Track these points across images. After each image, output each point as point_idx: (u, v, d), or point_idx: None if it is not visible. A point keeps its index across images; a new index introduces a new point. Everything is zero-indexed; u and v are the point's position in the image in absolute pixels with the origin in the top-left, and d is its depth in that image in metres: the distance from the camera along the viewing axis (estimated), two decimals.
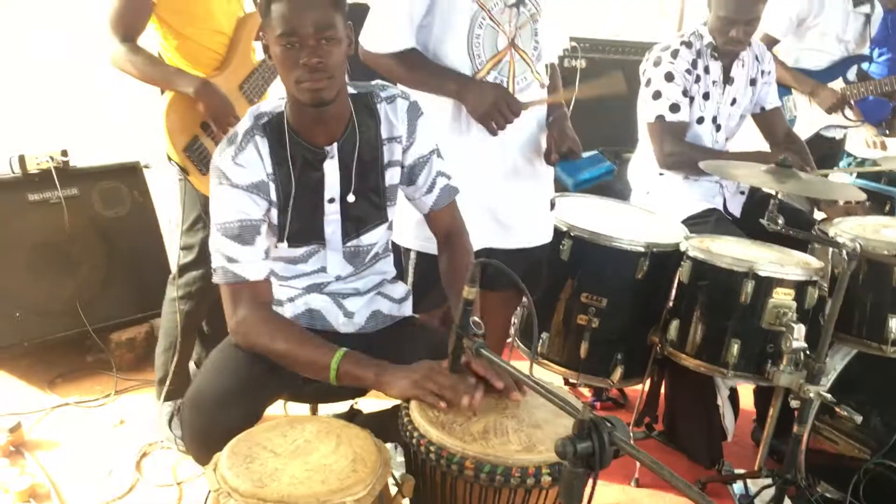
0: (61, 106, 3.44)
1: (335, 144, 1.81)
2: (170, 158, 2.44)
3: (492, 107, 2.14)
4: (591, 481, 1.13)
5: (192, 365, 2.89)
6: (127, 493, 2.41)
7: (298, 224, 1.83)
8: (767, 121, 3.07)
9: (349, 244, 1.93)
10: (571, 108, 2.48)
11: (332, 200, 1.85)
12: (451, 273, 1.97)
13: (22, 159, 2.95)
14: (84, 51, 3.26)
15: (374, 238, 1.97)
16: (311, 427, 1.60)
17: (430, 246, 2.24)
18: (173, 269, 2.67)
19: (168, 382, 2.70)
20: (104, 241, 3.12)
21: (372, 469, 1.48)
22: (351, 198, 1.86)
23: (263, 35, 1.74)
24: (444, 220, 2.03)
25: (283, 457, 1.50)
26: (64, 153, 3.04)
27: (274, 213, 1.80)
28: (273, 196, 1.79)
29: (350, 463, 1.49)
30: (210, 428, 1.66)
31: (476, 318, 1.58)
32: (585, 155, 2.33)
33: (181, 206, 2.60)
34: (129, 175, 3.22)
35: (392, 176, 1.92)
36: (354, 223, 1.91)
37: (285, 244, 1.86)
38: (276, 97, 1.86)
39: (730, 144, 3.04)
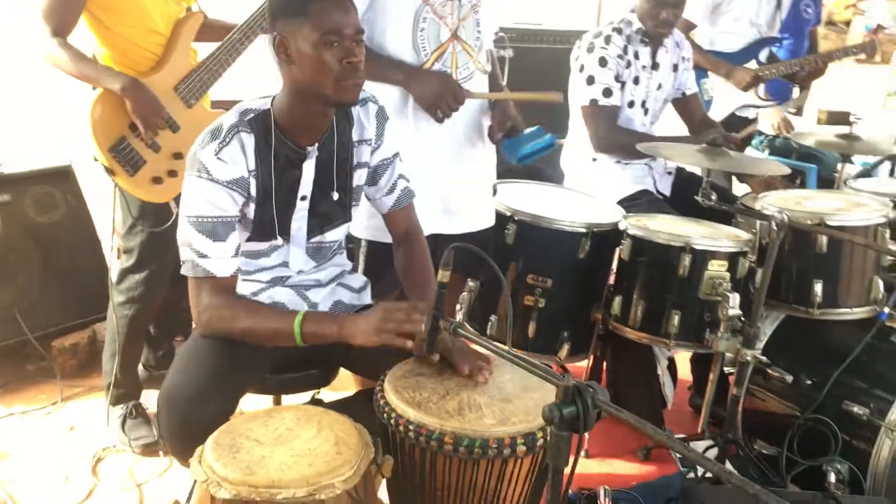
0: None
1: (316, 145, 1.86)
2: (95, 159, 2.39)
3: (437, 95, 2.24)
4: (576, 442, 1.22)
5: (140, 367, 2.87)
6: (86, 498, 2.39)
7: (271, 220, 1.87)
8: (687, 105, 3.23)
9: (313, 240, 1.98)
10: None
11: (304, 198, 1.90)
12: (408, 269, 2.07)
13: None
14: (8, 50, 3.18)
15: (337, 235, 2.03)
16: (290, 415, 1.65)
17: (381, 235, 2.32)
18: (112, 274, 2.64)
19: (116, 387, 2.68)
20: (39, 247, 3.04)
21: (355, 451, 1.54)
22: (335, 195, 1.92)
23: (282, 34, 1.74)
24: (403, 220, 2.12)
25: (267, 445, 1.54)
26: None
27: (252, 207, 1.83)
28: (253, 191, 1.82)
29: (333, 446, 1.54)
30: (188, 423, 1.68)
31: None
32: (526, 131, 2.42)
33: (116, 210, 2.56)
34: (62, 179, 3.15)
35: (359, 177, 1.99)
36: (320, 221, 1.96)
37: (270, 239, 1.90)
38: (256, 97, 1.88)
39: (654, 128, 3.19)
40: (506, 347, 1.45)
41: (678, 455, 2.78)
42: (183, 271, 1.84)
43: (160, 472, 2.53)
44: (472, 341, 1.52)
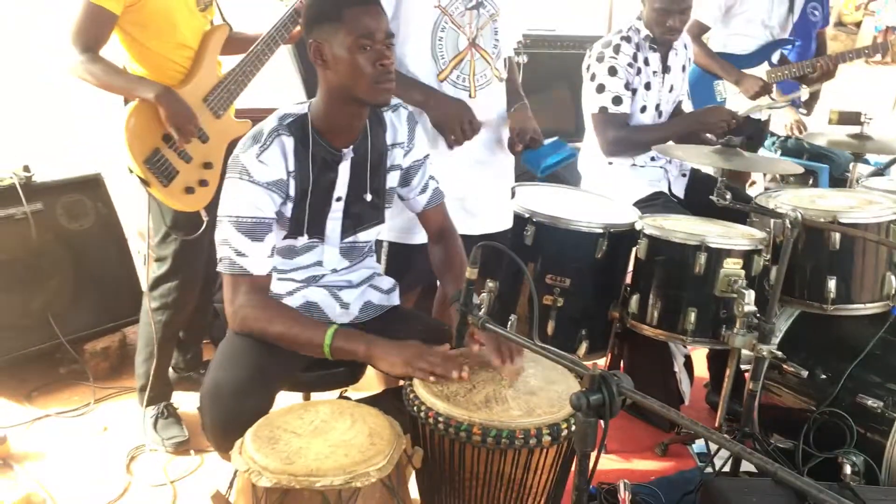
0: (18, 121, 3.44)
1: (350, 148, 1.95)
2: (131, 171, 2.45)
3: (453, 121, 2.33)
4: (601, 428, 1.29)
5: (170, 370, 2.95)
6: (121, 495, 2.47)
7: (307, 219, 1.95)
8: (677, 111, 3.29)
9: (346, 240, 2.07)
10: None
11: (339, 199, 1.99)
12: (444, 264, 2.16)
13: None
14: (39, 66, 3.28)
15: (370, 236, 2.12)
16: (325, 409, 1.72)
17: (402, 237, 2.41)
18: (143, 281, 2.71)
19: (149, 389, 2.76)
20: (71, 254, 3.13)
21: (389, 441, 1.61)
22: (368, 197, 2.00)
23: (318, 40, 1.84)
24: (437, 219, 2.21)
25: (304, 436, 1.61)
26: (26, 168, 3.05)
27: (289, 206, 1.92)
28: (291, 192, 1.90)
29: (368, 437, 1.62)
30: (230, 417, 1.76)
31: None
32: (546, 142, 2.49)
33: (149, 219, 2.64)
34: (92, 187, 3.25)
35: (392, 179, 2.08)
36: (353, 221, 2.04)
37: (305, 237, 1.98)
38: (293, 103, 1.97)
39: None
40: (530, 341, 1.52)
41: (695, 451, 2.84)
42: (220, 268, 1.92)
43: (192, 469, 2.61)
44: (499, 335, 1.59)
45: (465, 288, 1.61)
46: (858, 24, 14.32)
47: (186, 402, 2.91)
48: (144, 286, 2.73)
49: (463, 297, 1.62)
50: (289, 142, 1.89)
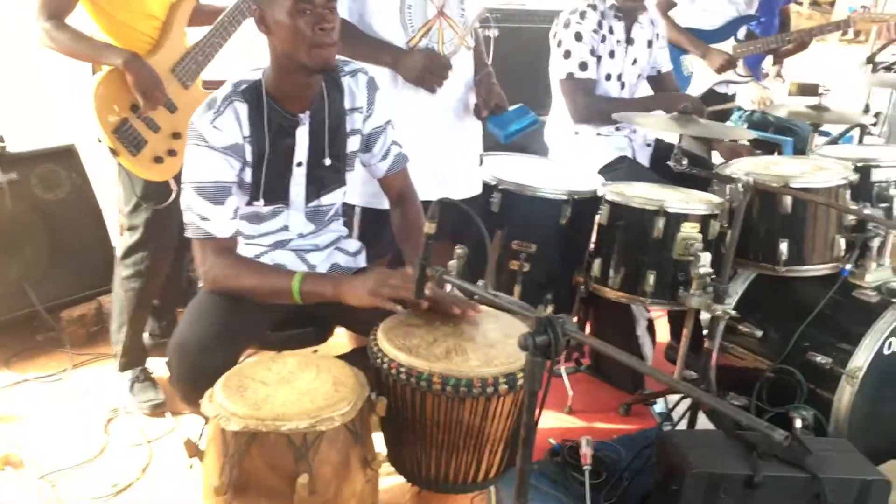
0: None
1: (307, 113, 2.00)
2: (100, 140, 2.49)
3: (423, 70, 2.39)
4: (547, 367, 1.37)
5: (146, 336, 3.01)
6: (99, 454, 2.54)
7: (268, 184, 2.01)
8: (662, 83, 3.37)
9: (311, 205, 2.13)
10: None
11: (299, 164, 2.05)
12: (404, 228, 2.22)
13: None
14: (10, 37, 3.30)
15: (333, 199, 2.18)
16: (292, 360, 1.80)
17: (375, 202, 2.48)
18: (117, 250, 2.76)
19: (125, 354, 2.83)
20: (46, 224, 3.17)
21: (352, 389, 1.69)
22: (327, 161, 2.06)
23: (261, 7, 1.89)
24: (397, 184, 2.27)
25: (271, 385, 1.69)
26: (0, 139, 3.08)
27: (248, 172, 1.98)
28: (248, 157, 1.96)
29: (332, 386, 1.70)
30: (195, 371, 1.84)
31: None
32: (511, 108, 2.57)
33: (120, 189, 2.68)
34: (66, 158, 3.27)
35: (352, 143, 2.14)
36: (317, 185, 2.10)
37: (261, 202, 2.03)
38: (250, 69, 2.02)
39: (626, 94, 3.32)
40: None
41: (657, 412, 2.94)
42: (187, 234, 1.99)
43: (168, 430, 2.68)
44: (455, 286, 1.67)
45: (425, 241, 1.68)
46: (832, 4, 14.47)
47: (161, 367, 2.94)
48: (117, 255, 2.78)
49: (423, 251, 1.69)
50: (242, 108, 1.94)
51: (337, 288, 1.91)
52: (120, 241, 2.74)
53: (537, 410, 1.40)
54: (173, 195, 2.59)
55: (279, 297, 1.95)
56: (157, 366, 2.95)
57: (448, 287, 1.94)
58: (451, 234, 2.46)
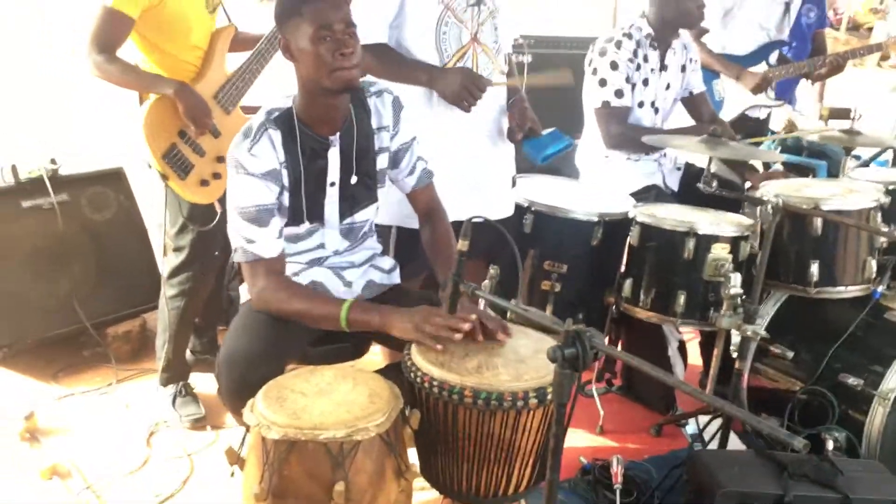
0: (44, 118, 3.62)
1: (337, 135, 2.09)
2: (150, 166, 2.61)
3: (461, 87, 2.45)
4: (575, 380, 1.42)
5: (187, 352, 3.10)
6: (141, 466, 2.62)
7: (305, 206, 2.10)
8: (695, 104, 3.42)
9: (345, 222, 2.21)
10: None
11: (332, 184, 2.13)
12: (433, 243, 2.28)
13: (14, 169, 3.13)
14: (64, 64, 3.45)
15: (366, 216, 2.25)
16: (329, 373, 1.86)
17: (409, 222, 2.54)
18: (162, 269, 2.86)
19: (168, 369, 2.92)
20: (95, 243, 3.30)
21: (387, 401, 1.75)
22: (353, 179, 2.13)
23: (285, 36, 1.98)
24: (425, 199, 2.34)
25: (310, 396, 1.75)
26: (53, 161, 3.22)
27: (286, 196, 2.06)
28: (285, 181, 2.05)
29: (368, 398, 1.76)
30: (243, 382, 1.91)
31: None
32: (545, 132, 2.63)
33: (166, 211, 2.77)
34: (114, 180, 3.42)
35: (382, 161, 2.21)
36: (349, 203, 2.18)
37: (305, 224, 2.12)
38: (281, 96, 2.11)
39: (665, 125, 3.38)
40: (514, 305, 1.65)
41: (688, 433, 2.95)
42: (235, 258, 2.08)
43: (209, 443, 2.76)
44: (487, 301, 1.73)
45: (458, 259, 1.75)
46: (871, 29, 14.36)
47: (203, 382, 3.06)
48: (163, 274, 2.88)
49: (455, 267, 1.75)
50: (276, 135, 2.03)
51: (384, 319, 1.97)
52: (165, 261, 2.84)
53: (566, 421, 1.44)
54: (217, 217, 2.69)
55: (327, 324, 2.03)
56: (199, 381, 3.04)
57: (481, 304, 1.99)
58: (484, 254, 2.52)
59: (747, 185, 3.41)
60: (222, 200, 2.69)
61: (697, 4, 3.10)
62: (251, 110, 2.78)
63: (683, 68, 3.32)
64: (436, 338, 1.88)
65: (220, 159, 2.69)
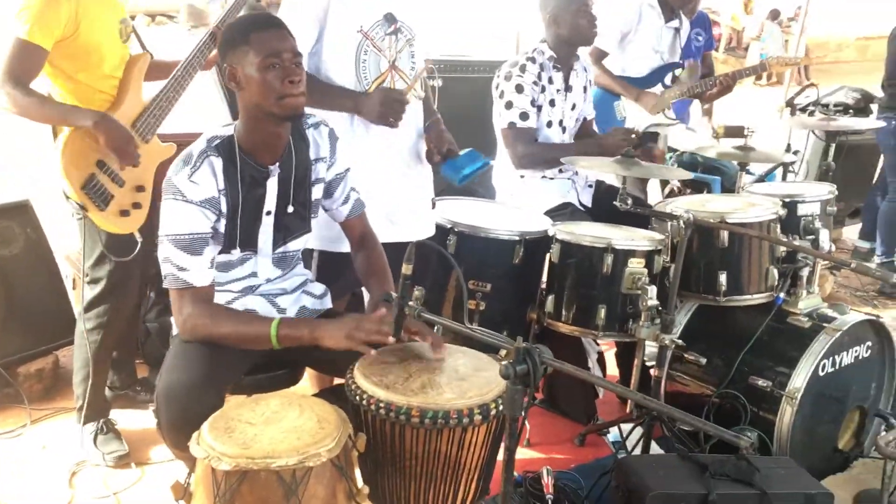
0: None
1: (277, 164, 2.11)
2: (67, 197, 2.54)
3: (383, 106, 2.52)
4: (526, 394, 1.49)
5: (106, 389, 3.01)
6: None
7: (241, 234, 2.10)
8: (584, 129, 3.58)
9: (278, 251, 2.22)
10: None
11: (269, 213, 2.14)
12: (369, 268, 2.34)
13: None
14: None
15: (299, 245, 2.28)
16: (274, 401, 1.87)
17: (332, 245, 2.58)
18: (79, 303, 2.77)
19: (87, 407, 2.82)
20: (2, 279, 3.16)
21: (336, 426, 1.77)
22: (290, 208, 2.15)
23: (231, 64, 2.00)
24: (358, 227, 2.39)
25: (258, 425, 1.76)
26: None
27: (222, 223, 2.06)
28: (223, 208, 2.04)
29: (317, 423, 1.77)
30: (185, 415, 1.88)
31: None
32: (462, 153, 2.71)
33: (82, 243, 2.70)
34: (21, 213, 3.28)
35: (317, 191, 2.25)
36: (283, 233, 2.20)
37: (237, 251, 2.12)
38: (221, 125, 2.11)
39: (567, 138, 3.50)
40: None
41: (610, 440, 3.07)
42: (165, 285, 2.05)
43: (134, 481, 2.69)
44: (434, 323, 1.78)
45: (402, 282, 1.79)
46: (746, 49, 15.30)
47: (123, 418, 2.98)
48: (77, 309, 2.79)
49: (400, 290, 1.80)
50: (217, 162, 2.04)
51: (314, 332, 2.00)
52: (81, 294, 2.75)
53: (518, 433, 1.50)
54: (138, 247, 2.64)
55: (257, 343, 2.03)
56: (120, 417, 2.95)
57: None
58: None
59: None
60: (142, 230, 2.66)
61: (588, 20, 3.25)
62: (167, 138, 2.78)
63: (585, 89, 3.48)
64: (368, 342, 1.91)
65: (140, 188, 2.65)
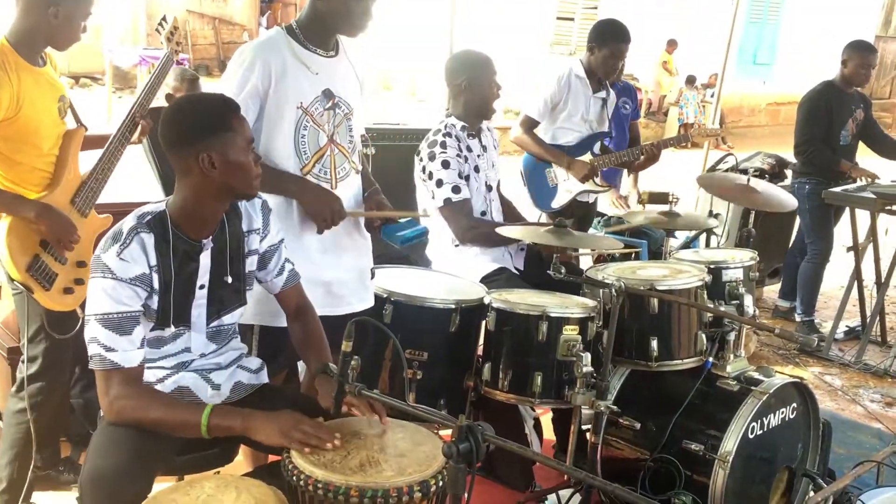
0: None
1: (210, 238, 2.09)
2: (12, 279, 2.52)
3: (323, 208, 2.56)
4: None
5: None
6: None
7: (173, 309, 2.06)
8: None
9: (212, 325, 2.18)
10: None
11: (202, 287, 2.11)
12: (305, 339, 2.32)
13: None
14: None
15: (234, 318, 2.25)
16: (209, 484, 1.82)
17: (271, 320, 2.55)
18: (12, 382, 2.70)
19: (10, 489, 2.71)
20: None
21: None
22: (228, 279, 2.13)
23: (208, 153, 1.98)
24: (294, 298, 2.38)
25: None
26: None
27: (155, 299, 2.02)
28: (155, 285, 2.01)
29: None
30: (112, 502, 1.81)
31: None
32: (401, 220, 2.77)
33: (21, 320, 2.65)
34: None
35: (251, 263, 2.24)
36: (217, 306, 2.17)
37: (171, 328, 2.08)
38: (153, 202, 2.10)
39: (494, 195, 3.58)
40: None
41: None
42: (91, 366, 1.99)
43: None
44: (375, 400, 1.77)
45: (342, 359, 1.78)
46: (666, 113, 15.91)
47: (45, 500, 2.85)
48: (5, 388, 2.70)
49: (340, 368, 1.79)
50: (148, 238, 2.01)
51: (245, 424, 1.96)
52: (13, 373, 2.67)
53: None
54: (80, 323, 2.58)
55: (185, 431, 1.98)
56: (42, 500, 2.82)
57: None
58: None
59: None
60: (83, 306, 2.59)
61: (497, 90, 3.40)
62: (104, 209, 2.74)
63: (495, 146, 3.60)
64: (306, 444, 1.89)
65: (81, 264, 2.64)
